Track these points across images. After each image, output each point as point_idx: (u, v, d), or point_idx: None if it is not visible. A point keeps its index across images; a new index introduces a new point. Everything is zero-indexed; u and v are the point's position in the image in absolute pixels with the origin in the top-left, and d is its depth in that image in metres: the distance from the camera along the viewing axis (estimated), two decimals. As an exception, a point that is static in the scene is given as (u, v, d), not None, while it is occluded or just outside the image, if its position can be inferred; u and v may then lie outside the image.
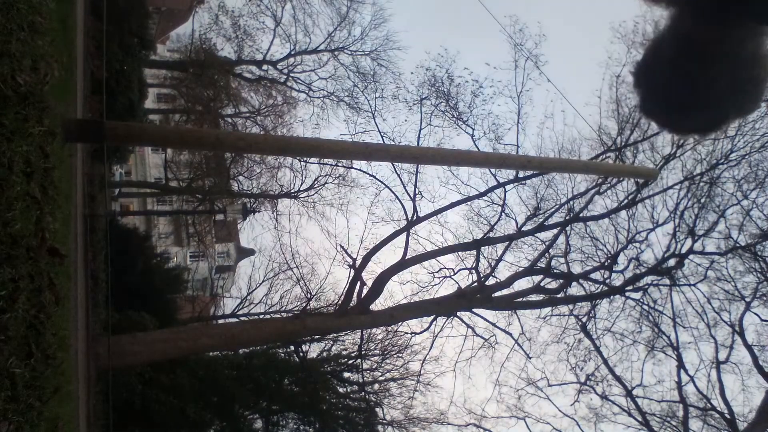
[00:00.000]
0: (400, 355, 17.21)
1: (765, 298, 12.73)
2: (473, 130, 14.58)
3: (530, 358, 14.17)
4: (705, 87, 1.27)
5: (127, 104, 13.07)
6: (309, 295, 15.81)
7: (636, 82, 1.25)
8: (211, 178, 21.01)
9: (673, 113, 1.38)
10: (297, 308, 17.76)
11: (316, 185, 19.32)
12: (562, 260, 14.00)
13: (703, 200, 13.04)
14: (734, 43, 1.20)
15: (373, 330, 15.94)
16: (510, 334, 14.01)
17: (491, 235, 14.01)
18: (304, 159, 17.41)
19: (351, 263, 12.63)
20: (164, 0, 26.67)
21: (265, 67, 21.79)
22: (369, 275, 12.68)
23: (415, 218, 14.07)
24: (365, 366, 17.30)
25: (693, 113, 1.34)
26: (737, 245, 12.76)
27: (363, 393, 17.40)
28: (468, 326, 14.17)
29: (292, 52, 21.62)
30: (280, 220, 19.85)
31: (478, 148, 13.94)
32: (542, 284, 13.99)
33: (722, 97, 1.26)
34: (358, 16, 25.59)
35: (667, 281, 13.26)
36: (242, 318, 18.72)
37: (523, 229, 14.11)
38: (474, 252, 14.06)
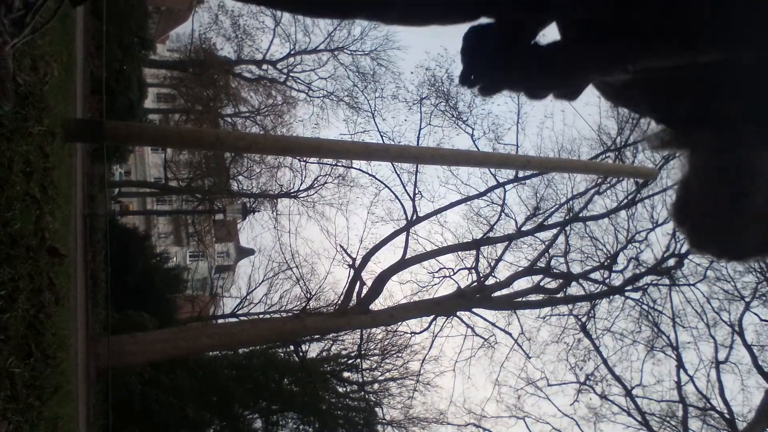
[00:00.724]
0: (400, 354, 17.22)
1: (764, 298, 12.75)
2: (473, 129, 14.61)
3: (530, 357, 14.19)
4: (746, 207, 1.19)
5: (127, 104, 13.07)
6: (308, 295, 15.82)
7: (679, 221, 1.14)
8: (210, 178, 21.00)
9: (724, 241, 1.30)
10: (296, 308, 17.75)
11: (316, 185, 19.32)
12: (562, 260, 14.01)
13: (702, 200, 13.04)
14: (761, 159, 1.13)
15: (373, 330, 15.94)
16: (509, 334, 14.03)
17: (491, 234, 14.02)
18: (304, 159, 17.41)
19: (351, 263, 12.65)
20: (164, 0, 26.66)
21: (264, 66, 21.79)
22: (369, 275, 12.69)
23: (414, 218, 14.08)
24: (365, 366, 17.31)
25: (744, 235, 1.23)
26: (737, 245, 12.76)
27: (362, 393, 17.41)
28: (467, 326, 14.19)
29: (292, 52, 21.63)
30: (279, 219, 19.87)
31: (477, 148, 13.96)
32: (542, 284, 13.99)
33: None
34: (358, 16, 25.59)
35: (666, 281, 13.27)
36: (242, 318, 18.72)
37: (522, 228, 14.12)
38: (474, 252, 14.06)
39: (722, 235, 1.24)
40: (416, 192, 14.15)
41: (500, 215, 14.09)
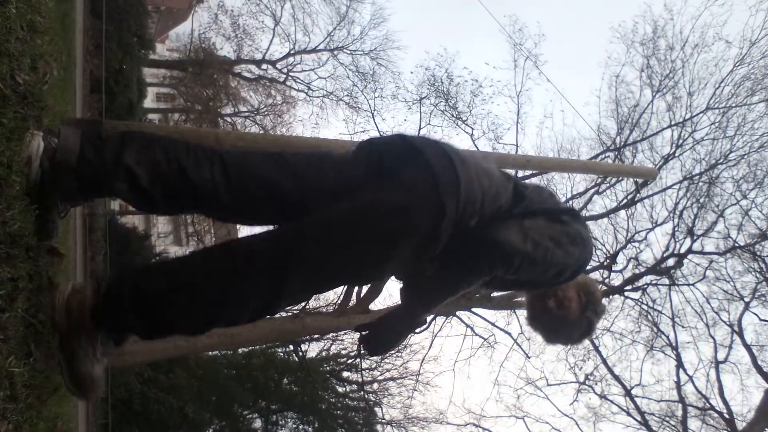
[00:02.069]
0: (399, 354, 17.22)
1: (764, 298, 12.74)
2: (472, 129, 14.60)
3: (529, 357, 14.17)
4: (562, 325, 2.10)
5: (126, 103, 13.07)
6: (308, 295, 15.78)
7: (532, 327, 2.20)
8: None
9: (562, 339, 2.27)
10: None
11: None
12: (561, 260, 13.99)
13: (702, 200, 13.05)
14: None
15: (373, 329, 15.90)
16: (509, 334, 14.02)
17: (490, 234, 14.00)
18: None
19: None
20: (163, -1, 26.67)
21: (264, 66, 21.79)
22: (368, 275, 12.66)
23: (414, 218, 14.06)
24: (364, 365, 17.30)
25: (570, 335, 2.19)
26: (736, 245, 12.77)
27: (362, 392, 17.41)
28: (467, 326, 14.19)
29: (292, 52, 21.62)
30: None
31: (477, 148, 13.95)
32: (541, 284, 13.97)
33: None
34: (358, 16, 25.57)
35: (666, 281, 13.26)
36: (241, 317, 18.67)
37: (522, 228, 14.11)
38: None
39: (559, 335, 2.17)
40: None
41: (500, 215, 14.08)
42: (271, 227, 1.78)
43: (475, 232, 1.70)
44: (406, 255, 1.69)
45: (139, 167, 1.57)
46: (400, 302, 1.92)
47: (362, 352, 1.86)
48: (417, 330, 1.90)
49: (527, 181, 13.80)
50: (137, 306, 1.59)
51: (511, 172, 13.20)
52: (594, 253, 1.99)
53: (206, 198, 1.64)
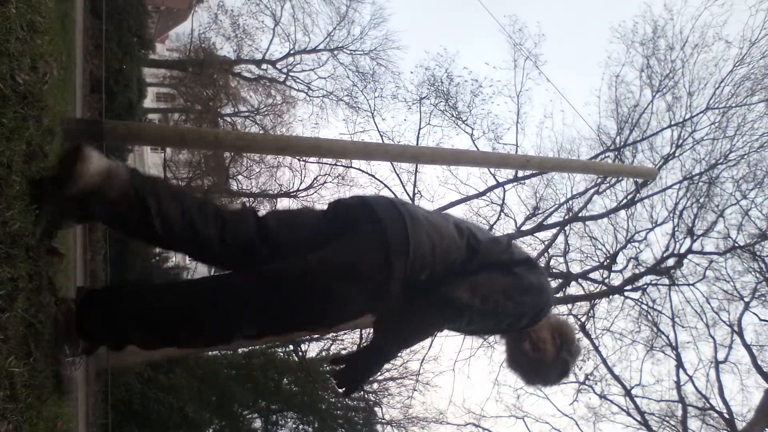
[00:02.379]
0: (399, 354, 17.20)
1: (763, 298, 12.75)
2: (472, 129, 14.61)
3: (529, 357, 14.16)
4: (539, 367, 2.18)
5: (126, 103, 13.06)
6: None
7: (511, 369, 2.29)
8: (210, 177, 20.99)
9: (539, 379, 2.31)
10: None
11: (316, 185, 19.28)
12: (561, 260, 14.01)
13: (702, 200, 13.06)
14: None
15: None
16: (509, 334, 14.01)
17: (490, 234, 14.00)
18: (304, 158, 17.40)
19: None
20: (163, -1, 26.66)
21: (264, 66, 21.78)
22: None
23: (414, 218, 14.05)
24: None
25: (548, 376, 2.27)
26: (736, 245, 12.77)
27: (362, 392, 17.41)
28: (467, 326, 14.17)
29: (292, 52, 21.61)
30: (279, 219, 19.82)
31: (477, 148, 13.96)
32: (541, 284, 13.97)
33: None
34: (358, 16, 25.56)
35: (666, 281, 13.27)
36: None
37: (522, 228, 14.12)
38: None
39: (536, 377, 2.25)
40: (416, 192, 14.17)
41: (499, 215, 14.10)
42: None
43: (428, 287, 1.89)
44: (361, 304, 1.93)
45: (158, 214, 1.84)
46: (372, 337, 2.10)
47: (337, 387, 2.02)
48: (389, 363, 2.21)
49: (529, 180, 13.83)
50: (106, 325, 1.84)
51: (511, 171, 13.15)
52: (551, 298, 2.11)
53: (202, 248, 1.94)
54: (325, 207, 2.16)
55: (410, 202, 2.16)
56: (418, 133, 14.87)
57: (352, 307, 1.93)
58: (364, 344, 2.28)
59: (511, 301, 1.94)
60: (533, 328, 2.07)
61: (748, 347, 12.82)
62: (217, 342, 1.98)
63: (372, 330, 2.09)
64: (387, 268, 1.83)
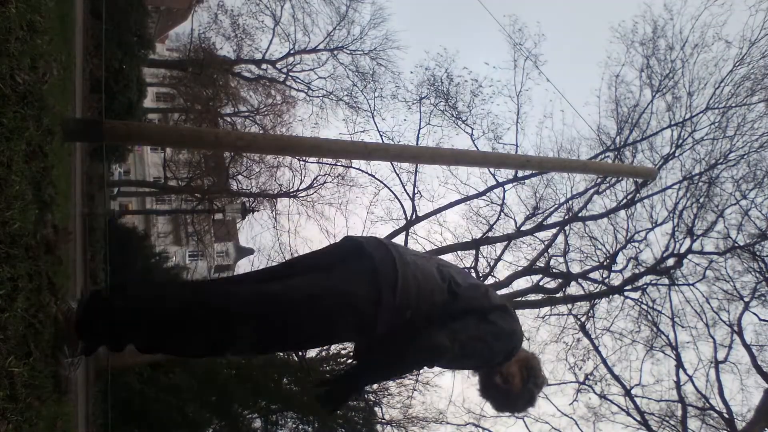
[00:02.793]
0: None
1: (763, 298, 12.74)
2: (472, 129, 14.61)
3: (529, 357, 14.15)
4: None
5: (126, 103, 13.05)
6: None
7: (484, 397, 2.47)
8: (210, 177, 20.98)
9: (509, 406, 2.58)
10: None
11: (316, 184, 19.27)
12: (561, 260, 14.01)
13: (701, 200, 13.05)
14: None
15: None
16: (509, 334, 14.00)
17: (490, 234, 14.01)
18: (303, 158, 17.40)
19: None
20: (163, -1, 26.66)
21: (264, 66, 21.77)
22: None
23: (414, 218, 14.08)
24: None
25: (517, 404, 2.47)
26: (736, 245, 12.77)
27: (362, 392, 17.37)
28: (467, 326, 14.16)
29: (291, 51, 21.60)
30: (279, 219, 19.83)
31: (477, 148, 13.95)
32: (541, 284, 13.98)
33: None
34: (358, 16, 25.60)
35: (665, 281, 13.27)
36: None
37: (522, 228, 14.12)
38: (473, 251, 14.06)
39: (506, 406, 2.50)
40: (416, 191, 14.17)
41: (499, 215, 14.10)
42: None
43: (411, 328, 2.09)
44: (348, 332, 2.15)
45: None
46: (353, 366, 2.31)
47: (320, 407, 2.22)
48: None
49: (529, 179, 13.82)
50: (106, 328, 1.93)
51: (511, 171, 13.16)
52: (521, 339, 2.35)
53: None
54: (335, 243, 2.40)
55: (401, 244, 2.44)
56: (418, 133, 14.88)
57: (340, 335, 2.19)
58: (346, 370, 2.38)
59: (487, 346, 2.19)
60: (504, 363, 2.33)
61: (747, 347, 12.82)
62: (208, 354, 2.15)
63: (353, 358, 2.31)
64: (377, 302, 2.03)
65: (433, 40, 41.77)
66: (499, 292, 14.01)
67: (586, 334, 13.59)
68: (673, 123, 13.34)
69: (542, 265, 13.87)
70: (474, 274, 13.96)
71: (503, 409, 2.61)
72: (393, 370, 2.24)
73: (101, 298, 1.98)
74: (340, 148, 5.86)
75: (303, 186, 19.43)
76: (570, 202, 14.03)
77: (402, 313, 2.07)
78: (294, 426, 17.30)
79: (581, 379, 13.95)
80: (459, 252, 14.50)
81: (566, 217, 13.88)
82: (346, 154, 8.34)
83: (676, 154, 13.27)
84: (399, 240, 13.33)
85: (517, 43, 13.60)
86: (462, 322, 2.13)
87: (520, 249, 14.74)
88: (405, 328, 2.09)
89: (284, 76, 21.99)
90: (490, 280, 13.93)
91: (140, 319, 1.92)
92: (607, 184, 13.58)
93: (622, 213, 13.68)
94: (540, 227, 14.03)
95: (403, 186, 14.42)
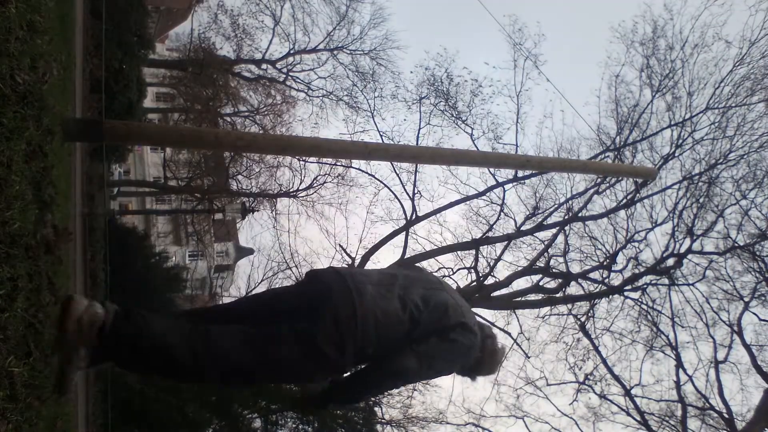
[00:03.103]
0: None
1: (763, 298, 12.75)
2: (472, 129, 14.62)
3: (529, 357, 14.18)
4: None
5: (126, 103, 13.04)
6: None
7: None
8: (209, 177, 20.98)
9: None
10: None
11: (315, 184, 19.27)
12: (561, 260, 14.02)
13: (701, 200, 13.06)
14: None
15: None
16: (509, 334, 14.02)
17: (490, 234, 14.02)
18: (303, 158, 17.40)
19: (350, 263, 12.63)
20: (163, -1, 26.65)
21: (264, 66, 21.76)
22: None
23: (414, 217, 14.09)
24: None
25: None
26: (736, 245, 12.77)
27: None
28: (467, 325, 14.16)
29: (291, 51, 21.59)
30: (279, 219, 19.84)
31: (477, 148, 13.96)
32: (541, 284, 13.99)
33: None
34: (358, 15, 25.62)
35: (665, 281, 13.27)
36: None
37: (522, 228, 14.12)
38: (473, 251, 14.07)
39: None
40: (415, 191, 14.18)
41: (499, 215, 14.12)
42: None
43: (377, 357, 2.34)
44: (322, 374, 2.34)
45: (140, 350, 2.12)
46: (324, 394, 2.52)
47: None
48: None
49: (529, 179, 13.81)
50: (131, 350, 2.01)
51: (511, 171, 13.16)
52: (477, 349, 2.60)
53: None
54: (298, 282, 2.68)
55: (364, 270, 2.68)
56: (418, 133, 14.90)
57: (308, 376, 2.36)
58: (323, 388, 2.54)
59: (449, 362, 2.49)
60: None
61: (747, 347, 12.82)
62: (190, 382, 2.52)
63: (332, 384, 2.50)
64: (343, 353, 2.23)
65: (433, 40, 41.79)
66: (498, 292, 14.05)
67: (586, 334, 13.59)
68: (673, 123, 13.35)
69: (542, 265, 13.87)
70: (474, 275, 13.99)
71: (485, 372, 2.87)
72: (364, 393, 2.54)
73: (132, 320, 2.03)
74: (340, 148, 5.86)
75: (303, 186, 19.45)
76: (570, 202, 14.05)
77: (364, 353, 2.29)
78: (294, 426, 17.29)
79: (581, 379, 13.97)
80: (459, 252, 14.52)
81: (566, 217, 13.88)
82: (346, 154, 8.34)
83: (676, 154, 13.28)
84: (399, 241, 13.33)
85: (517, 43, 13.62)
86: (426, 344, 2.35)
87: (520, 249, 14.77)
88: (371, 360, 2.37)
89: (284, 76, 21.99)
90: (490, 280, 13.96)
91: (149, 361, 2.09)
92: (607, 184, 13.58)
93: (622, 213, 13.69)
94: (540, 227, 14.03)
95: (403, 186, 14.44)
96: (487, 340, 2.68)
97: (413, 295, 2.41)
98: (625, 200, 13.53)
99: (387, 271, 2.64)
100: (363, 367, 2.42)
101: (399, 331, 2.33)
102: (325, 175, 19.02)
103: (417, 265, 3.16)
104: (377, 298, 2.33)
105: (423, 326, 2.36)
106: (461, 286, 13.61)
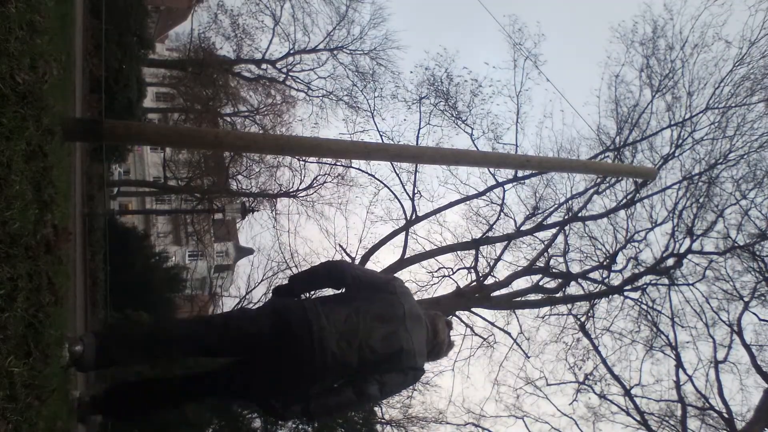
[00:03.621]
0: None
1: (763, 298, 12.75)
2: (472, 129, 14.62)
3: (529, 357, 14.18)
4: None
5: (126, 103, 13.05)
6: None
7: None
8: (209, 177, 20.97)
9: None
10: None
11: (315, 184, 19.27)
12: (561, 260, 14.01)
13: (701, 200, 13.06)
14: None
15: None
16: (509, 334, 14.03)
17: (490, 234, 14.02)
18: (303, 158, 17.40)
19: (349, 262, 12.61)
20: (163, -1, 26.65)
21: (264, 66, 21.77)
22: (368, 275, 12.64)
23: (414, 217, 14.09)
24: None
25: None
26: (736, 245, 12.77)
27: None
28: (467, 325, 14.19)
29: (291, 51, 21.60)
30: (278, 219, 19.82)
31: (477, 148, 13.96)
32: (541, 284, 13.98)
33: None
34: (358, 15, 25.56)
35: (665, 281, 13.27)
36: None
37: (521, 228, 14.12)
38: (473, 251, 14.07)
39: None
40: (415, 191, 14.18)
41: (499, 215, 14.11)
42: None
43: (349, 384, 2.89)
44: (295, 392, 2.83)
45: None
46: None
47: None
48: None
49: (529, 179, 13.80)
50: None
51: (511, 171, 13.14)
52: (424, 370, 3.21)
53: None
54: (259, 308, 3.02)
55: (333, 309, 2.94)
56: (418, 133, 14.90)
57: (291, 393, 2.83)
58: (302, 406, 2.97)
59: (404, 388, 3.27)
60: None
61: (747, 347, 12.82)
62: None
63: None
64: (295, 369, 2.73)
65: (433, 40, 41.73)
66: (498, 292, 14.03)
67: (586, 334, 13.59)
68: (672, 123, 13.35)
69: (542, 265, 13.87)
70: (474, 274, 13.98)
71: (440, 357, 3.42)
72: (334, 415, 3.19)
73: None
74: (340, 148, 5.86)
75: (303, 186, 19.44)
76: (570, 202, 14.05)
77: (331, 375, 2.80)
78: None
79: (581, 379, 13.96)
80: (459, 252, 14.52)
81: (566, 217, 13.88)
82: (346, 154, 8.34)
83: (676, 154, 13.28)
84: (399, 240, 13.32)
85: (516, 43, 13.62)
86: (389, 376, 2.92)
87: (520, 249, 14.77)
88: (341, 388, 2.91)
89: (284, 76, 22.00)
90: (490, 280, 13.95)
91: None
92: (607, 184, 13.58)
93: (622, 213, 13.69)
94: (540, 227, 14.03)
95: (403, 186, 14.45)
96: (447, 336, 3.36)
97: (372, 340, 2.85)
98: (625, 200, 13.53)
99: (356, 309, 2.94)
100: (329, 389, 2.90)
101: (347, 370, 2.85)
102: (325, 175, 19.03)
103: (404, 285, 3.42)
104: (340, 331, 2.79)
105: (373, 366, 2.85)
106: (461, 286, 13.61)
